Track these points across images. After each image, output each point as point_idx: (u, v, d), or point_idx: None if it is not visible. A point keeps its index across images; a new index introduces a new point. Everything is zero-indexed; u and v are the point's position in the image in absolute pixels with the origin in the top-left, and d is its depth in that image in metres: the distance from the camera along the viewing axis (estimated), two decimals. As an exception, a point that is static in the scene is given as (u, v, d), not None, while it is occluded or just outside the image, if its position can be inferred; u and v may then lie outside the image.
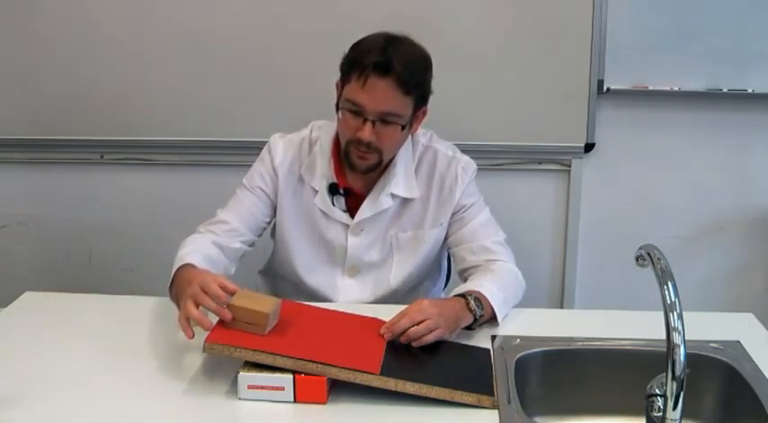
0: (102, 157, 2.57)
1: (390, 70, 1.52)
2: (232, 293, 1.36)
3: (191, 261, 1.52)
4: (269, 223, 1.77)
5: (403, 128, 1.59)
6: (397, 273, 1.76)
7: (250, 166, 1.77)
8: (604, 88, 2.41)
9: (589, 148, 2.49)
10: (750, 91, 2.41)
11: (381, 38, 1.57)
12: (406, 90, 1.54)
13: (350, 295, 1.75)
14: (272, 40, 2.40)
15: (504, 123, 2.46)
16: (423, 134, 1.74)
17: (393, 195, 1.69)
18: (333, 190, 1.70)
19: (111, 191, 2.61)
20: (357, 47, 1.58)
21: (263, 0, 2.38)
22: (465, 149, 1.78)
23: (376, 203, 1.70)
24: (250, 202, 1.72)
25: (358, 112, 1.56)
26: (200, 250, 1.60)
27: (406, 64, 1.53)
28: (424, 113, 1.65)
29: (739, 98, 2.44)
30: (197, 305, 1.35)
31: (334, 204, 1.71)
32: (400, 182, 1.69)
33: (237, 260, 1.71)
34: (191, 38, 2.42)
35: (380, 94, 1.53)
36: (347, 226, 1.72)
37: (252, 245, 1.73)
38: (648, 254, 1.17)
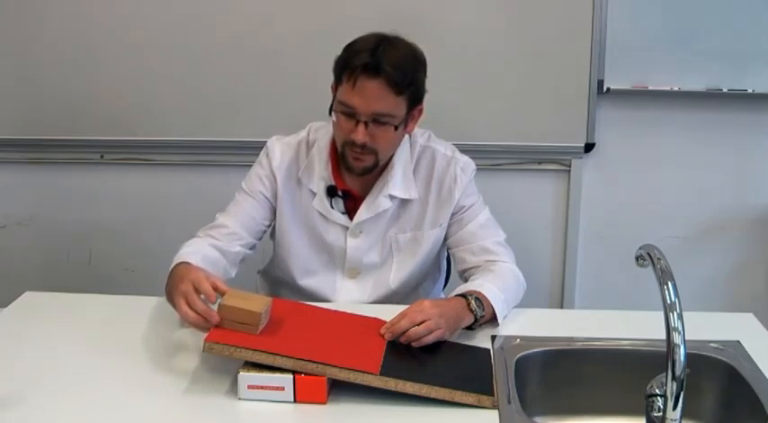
0: (102, 157, 2.57)
1: (380, 71, 1.51)
2: (223, 295, 1.36)
3: (188, 260, 1.53)
4: (269, 226, 1.76)
5: (396, 128, 1.59)
6: (397, 274, 1.76)
7: (250, 166, 1.77)
8: (604, 88, 2.41)
9: (589, 148, 2.49)
10: (750, 91, 2.41)
11: (372, 39, 1.56)
12: (398, 90, 1.54)
13: (349, 297, 1.74)
14: (272, 41, 2.40)
15: (504, 123, 2.46)
16: (421, 134, 1.74)
17: (391, 196, 1.69)
18: (331, 192, 1.70)
19: (111, 191, 2.61)
20: (348, 49, 1.58)
21: (264, 0, 2.38)
22: (465, 149, 1.78)
23: (374, 205, 1.70)
24: (249, 206, 1.72)
25: (351, 113, 1.56)
26: (199, 251, 1.60)
27: (396, 64, 1.53)
28: (420, 112, 1.65)
29: (739, 98, 2.44)
30: (189, 304, 1.35)
31: (332, 207, 1.71)
32: (398, 183, 1.69)
33: (237, 264, 1.71)
34: (191, 38, 2.42)
35: (371, 94, 1.53)
36: (346, 228, 1.72)
37: (252, 248, 1.73)
38: (648, 254, 1.17)
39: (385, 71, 1.51)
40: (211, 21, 2.40)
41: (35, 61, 2.47)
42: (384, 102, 1.54)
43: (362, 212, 1.70)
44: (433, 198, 1.72)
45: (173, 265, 1.53)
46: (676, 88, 2.41)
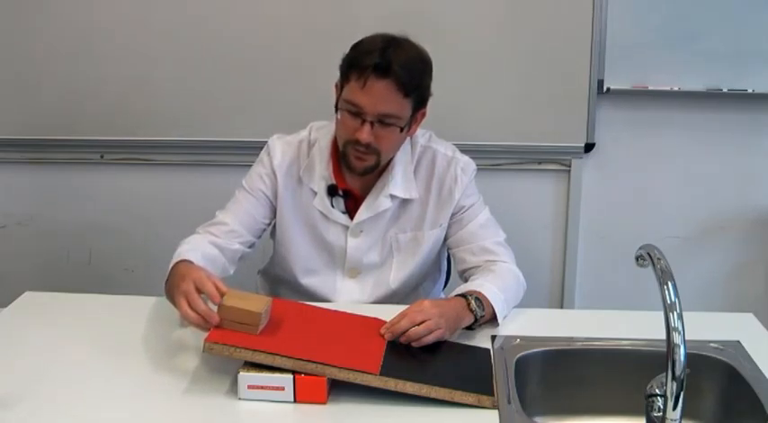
0: (102, 157, 2.57)
1: (390, 72, 1.51)
2: (222, 295, 1.36)
3: (188, 258, 1.53)
4: (268, 225, 1.76)
5: (401, 129, 1.59)
6: (397, 274, 1.76)
7: (250, 166, 1.77)
8: (604, 88, 2.41)
9: (589, 148, 2.49)
10: (750, 91, 2.41)
11: (381, 39, 1.56)
12: (405, 92, 1.54)
13: (350, 297, 1.75)
14: (272, 40, 2.40)
15: (504, 123, 2.46)
16: (421, 134, 1.74)
17: (392, 196, 1.69)
18: (332, 191, 1.70)
19: (111, 191, 2.61)
20: (357, 48, 1.58)
21: (264, 0, 2.38)
22: (465, 149, 1.78)
23: (375, 205, 1.70)
24: (249, 204, 1.72)
25: (357, 113, 1.56)
26: (199, 249, 1.60)
27: (406, 66, 1.53)
28: (423, 115, 1.65)
29: (739, 98, 2.44)
30: (190, 304, 1.35)
31: (333, 206, 1.71)
32: (399, 183, 1.69)
33: (236, 262, 1.71)
34: (191, 38, 2.42)
35: (379, 95, 1.53)
36: (346, 227, 1.72)
37: (251, 246, 1.73)
38: (648, 254, 1.17)
39: (395, 72, 1.51)
40: (212, 21, 2.40)
41: (35, 61, 2.47)
42: (391, 103, 1.54)
43: (363, 212, 1.70)
44: (433, 198, 1.72)
45: (173, 263, 1.53)
46: (676, 88, 2.41)
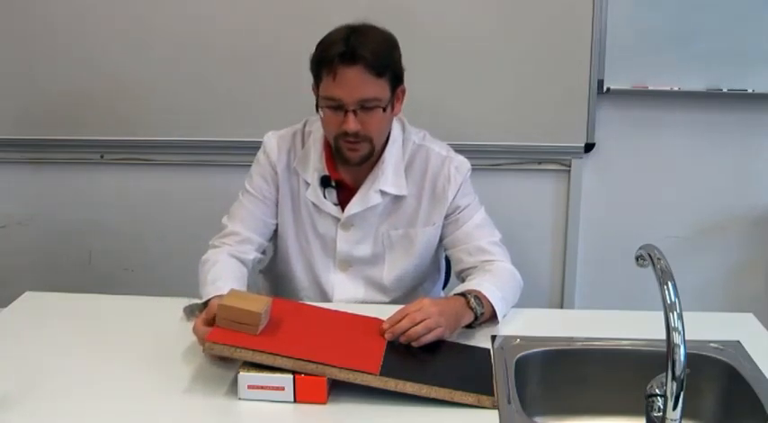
0: (102, 157, 2.57)
1: (356, 57, 1.52)
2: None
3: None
4: (277, 223, 1.77)
5: (384, 110, 1.59)
6: (390, 271, 1.76)
7: (250, 166, 1.77)
8: (604, 88, 2.41)
9: (589, 148, 2.49)
10: (750, 91, 2.41)
11: (342, 30, 1.58)
12: (378, 73, 1.55)
13: (343, 290, 1.75)
14: (272, 40, 2.40)
15: (504, 123, 2.46)
16: (416, 133, 1.74)
17: (382, 192, 1.69)
18: (325, 182, 1.70)
19: (111, 191, 2.61)
20: (320, 45, 1.59)
21: (263, 0, 2.38)
22: (464, 149, 1.78)
23: (365, 199, 1.70)
24: (255, 208, 1.73)
25: (338, 106, 1.57)
26: (231, 273, 1.61)
27: (371, 48, 1.54)
28: (403, 92, 1.66)
29: (739, 98, 2.44)
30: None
31: (325, 197, 1.71)
32: (389, 178, 1.69)
33: (253, 268, 1.73)
34: (191, 38, 2.42)
35: (353, 82, 1.54)
36: (338, 219, 1.72)
37: (264, 252, 1.76)
38: (648, 254, 1.17)
39: (362, 56, 1.53)
40: (212, 21, 2.40)
41: (35, 61, 2.47)
42: (367, 87, 1.55)
43: (353, 206, 1.70)
44: (426, 196, 1.72)
45: (210, 295, 1.52)
46: (676, 88, 2.41)
